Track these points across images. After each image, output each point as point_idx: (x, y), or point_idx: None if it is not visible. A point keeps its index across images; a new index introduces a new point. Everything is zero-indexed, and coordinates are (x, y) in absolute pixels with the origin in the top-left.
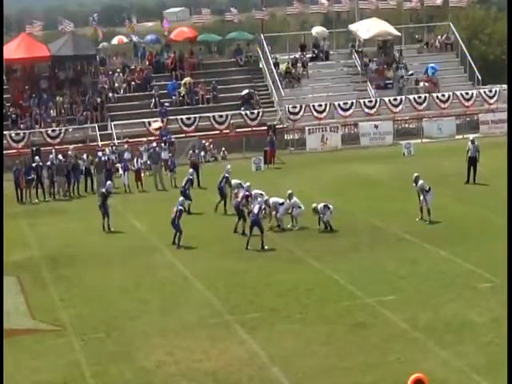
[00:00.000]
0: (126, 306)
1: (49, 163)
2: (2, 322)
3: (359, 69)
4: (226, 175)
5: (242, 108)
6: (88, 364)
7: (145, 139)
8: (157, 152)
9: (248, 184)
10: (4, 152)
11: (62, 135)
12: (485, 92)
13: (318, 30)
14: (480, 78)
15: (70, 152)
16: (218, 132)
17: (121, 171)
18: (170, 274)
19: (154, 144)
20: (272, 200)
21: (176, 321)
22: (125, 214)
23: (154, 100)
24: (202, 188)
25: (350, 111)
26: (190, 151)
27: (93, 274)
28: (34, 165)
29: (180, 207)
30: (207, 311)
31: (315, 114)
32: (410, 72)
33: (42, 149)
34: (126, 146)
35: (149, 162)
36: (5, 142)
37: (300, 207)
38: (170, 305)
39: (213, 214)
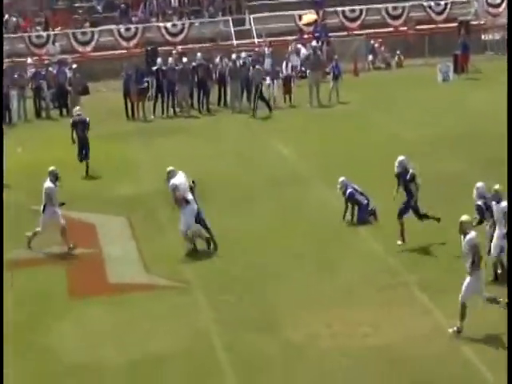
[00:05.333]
0: (270, 257)
1: (169, 68)
2: (2, 321)
3: None
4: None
5: None
6: (219, 332)
7: (293, 37)
8: (317, 54)
9: None
10: (111, 52)
11: (185, 31)
12: None
13: None
14: None
15: (198, 54)
16: (391, 29)
17: (268, 80)
18: (325, 215)
19: (314, 43)
20: None
21: (335, 281)
22: (268, 135)
23: None
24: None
25: None
26: (251, 67)
27: (225, 213)
28: (153, 68)
29: None
30: (376, 268)
31: None
32: None
33: (159, 49)
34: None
35: (303, 68)
36: (112, 39)
37: None
38: (327, 258)
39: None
